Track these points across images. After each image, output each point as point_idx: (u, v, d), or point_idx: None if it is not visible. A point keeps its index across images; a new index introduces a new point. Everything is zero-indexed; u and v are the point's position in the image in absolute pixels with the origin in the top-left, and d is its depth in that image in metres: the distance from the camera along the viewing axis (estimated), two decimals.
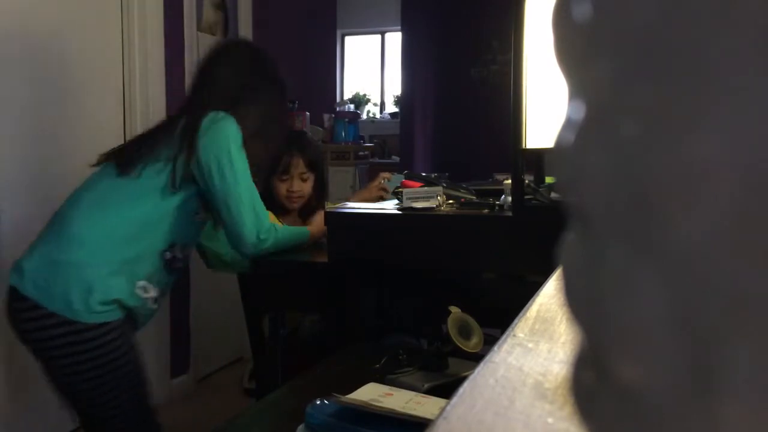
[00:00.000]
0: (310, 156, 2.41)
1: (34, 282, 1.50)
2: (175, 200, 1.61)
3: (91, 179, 1.65)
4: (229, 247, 1.83)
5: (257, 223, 1.68)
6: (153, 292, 1.62)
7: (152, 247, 1.60)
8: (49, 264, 1.52)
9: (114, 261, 1.54)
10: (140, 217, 1.58)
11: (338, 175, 4.21)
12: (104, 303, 1.52)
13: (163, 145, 1.63)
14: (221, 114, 1.66)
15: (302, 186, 2.37)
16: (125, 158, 1.62)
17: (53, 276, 1.50)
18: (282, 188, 2.35)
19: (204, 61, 1.81)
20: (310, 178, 2.40)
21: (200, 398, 3.08)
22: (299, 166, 2.36)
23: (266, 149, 1.83)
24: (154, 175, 1.60)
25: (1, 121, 2.21)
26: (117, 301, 1.55)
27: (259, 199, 1.73)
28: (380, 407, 1.04)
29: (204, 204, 1.68)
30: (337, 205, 2.11)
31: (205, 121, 1.64)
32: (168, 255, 1.63)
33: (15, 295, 1.52)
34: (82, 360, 1.51)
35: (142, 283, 1.58)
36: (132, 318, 1.62)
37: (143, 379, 1.62)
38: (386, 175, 2.43)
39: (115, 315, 1.55)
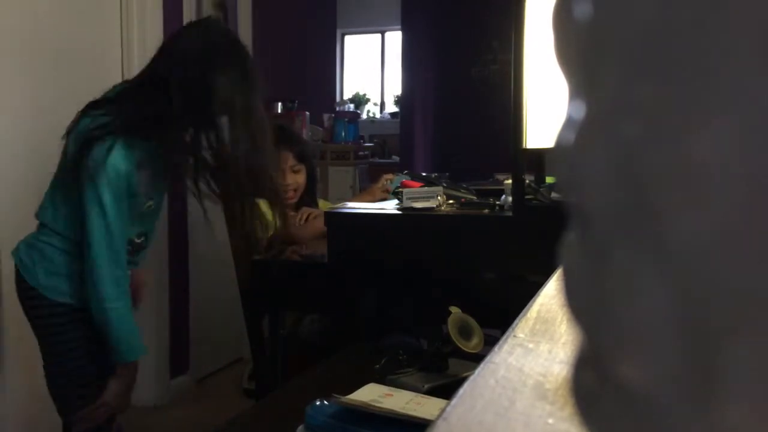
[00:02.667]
0: (299, 148, 2.42)
1: (22, 260, 1.61)
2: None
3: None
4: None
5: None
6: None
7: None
8: (28, 245, 1.62)
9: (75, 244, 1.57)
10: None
11: (338, 175, 4.21)
12: (63, 284, 1.57)
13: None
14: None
15: (295, 178, 2.38)
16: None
17: (31, 255, 1.60)
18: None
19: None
20: (302, 169, 2.41)
21: (200, 399, 3.08)
22: (289, 159, 2.37)
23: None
24: None
25: None
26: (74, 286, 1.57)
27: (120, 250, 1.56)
28: (380, 408, 1.04)
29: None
30: (337, 205, 2.11)
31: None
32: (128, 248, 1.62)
33: (17, 275, 1.63)
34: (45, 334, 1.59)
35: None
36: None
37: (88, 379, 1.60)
38: (389, 176, 2.43)
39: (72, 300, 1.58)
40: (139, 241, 1.66)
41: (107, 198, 1.49)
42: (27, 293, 1.59)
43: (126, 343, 1.54)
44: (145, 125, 1.54)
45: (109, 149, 1.50)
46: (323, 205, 2.53)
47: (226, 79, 1.55)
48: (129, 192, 1.54)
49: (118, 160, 1.50)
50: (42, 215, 1.62)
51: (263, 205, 2.33)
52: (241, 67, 1.60)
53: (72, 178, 1.53)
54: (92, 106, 1.61)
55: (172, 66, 1.56)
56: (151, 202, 1.63)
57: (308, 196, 2.44)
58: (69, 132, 1.61)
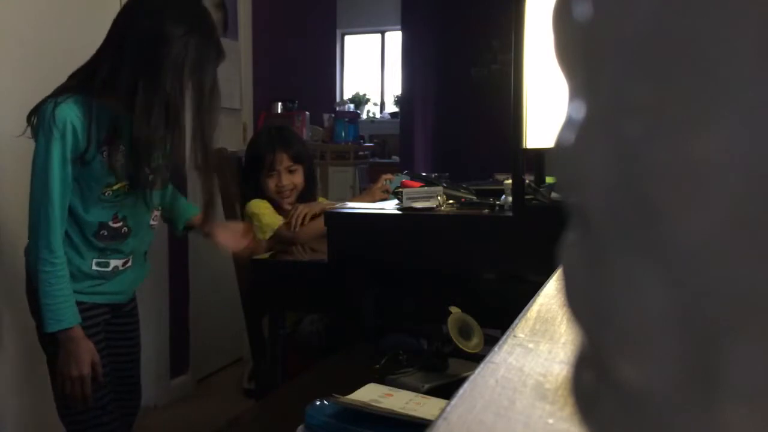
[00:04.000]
0: (295, 149, 2.39)
1: (28, 260, 1.57)
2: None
3: None
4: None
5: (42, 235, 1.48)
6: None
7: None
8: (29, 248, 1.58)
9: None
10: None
11: (338, 175, 4.21)
12: None
13: None
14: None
15: (291, 179, 2.37)
16: None
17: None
18: (270, 184, 2.35)
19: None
20: (299, 170, 2.39)
21: (200, 399, 3.08)
22: (284, 160, 2.36)
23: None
24: None
25: None
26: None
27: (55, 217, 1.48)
28: (380, 408, 1.04)
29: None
30: (337, 205, 2.11)
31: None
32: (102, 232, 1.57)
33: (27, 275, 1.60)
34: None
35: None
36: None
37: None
38: (388, 176, 2.43)
39: None
40: (115, 225, 1.57)
41: (53, 152, 1.43)
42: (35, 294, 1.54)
43: (50, 311, 1.48)
44: (99, 84, 1.47)
45: (59, 102, 1.45)
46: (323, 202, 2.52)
47: (182, 34, 1.47)
48: (79, 151, 1.46)
49: (66, 110, 1.44)
50: None
51: (261, 206, 2.33)
52: (200, 26, 1.53)
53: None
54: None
55: (127, 22, 1.50)
56: (119, 185, 1.54)
57: (307, 197, 2.43)
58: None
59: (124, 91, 1.46)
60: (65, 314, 1.49)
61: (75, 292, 1.53)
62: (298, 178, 2.39)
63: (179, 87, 1.50)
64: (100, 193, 1.53)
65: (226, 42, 3.41)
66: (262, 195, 2.36)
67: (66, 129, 1.44)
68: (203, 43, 1.53)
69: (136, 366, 1.75)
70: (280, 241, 2.25)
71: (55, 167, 1.45)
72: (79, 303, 1.53)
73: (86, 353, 1.52)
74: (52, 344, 1.53)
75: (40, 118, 1.46)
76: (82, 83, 1.49)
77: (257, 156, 2.38)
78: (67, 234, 1.52)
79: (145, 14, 1.48)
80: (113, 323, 1.67)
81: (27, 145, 1.58)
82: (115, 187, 1.54)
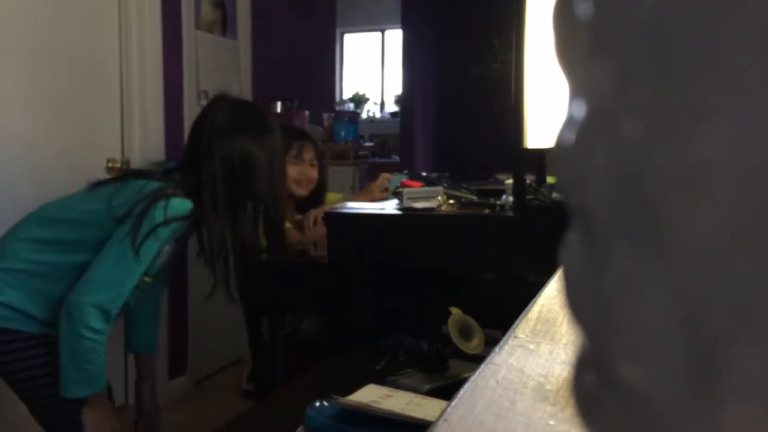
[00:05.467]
0: (317, 149, 2.49)
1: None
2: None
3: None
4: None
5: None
6: None
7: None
8: None
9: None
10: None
11: (338, 175, 4.21)
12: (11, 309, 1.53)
13: None
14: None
15: (311, 172, 2.43)
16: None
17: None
18: (294, 170, 2.39)
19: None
20: (317, 167, 2.45)
21: (199, 400, 3.08)
22: (310, 152, 2.42)
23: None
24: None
25: None
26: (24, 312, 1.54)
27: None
28: (380, 409, 1.04)
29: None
30: (337, 205, 2.11)
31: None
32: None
33: None
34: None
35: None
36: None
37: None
38: (387, 175, 2.44)
39: (21, 325, 1.53)
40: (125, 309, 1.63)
41: (161, 236, 1.51)
42: None
43: (88, 376, 1.50)
44: (192, 190, 1.58)
45: (171, 195, 1.54)
46: (334, 197, 2.56)
47: (258, 148, 1.63)
48: (163, 243, 1.54)
49: (178, 205, 1.54)
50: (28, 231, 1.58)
51: None
52: (271, 136, 1.68)
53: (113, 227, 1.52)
54: (136, 174, 1.65)
55: (207, 137, 1.62)
56: (149, 278, 1.62)
57: (318, 197, 2.46)
58: (103, 183, 1.62)
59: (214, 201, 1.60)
60: (102, 379, 1.54)
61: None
62: (316, 174, 2.44)
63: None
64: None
65: (226, 41, 3.43)
66: None
67: (172, 223, 1.53)
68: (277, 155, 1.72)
69: None
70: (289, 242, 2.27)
71: (152, 251, 1.52)
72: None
73: (112, 409, 1.60)
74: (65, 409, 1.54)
75: (155, 210, 1.52)
76: (185, 183, 1.60)
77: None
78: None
79: (226, 132, 1.63)
80: None
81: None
82: (148, 279, 1.62)
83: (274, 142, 1.68)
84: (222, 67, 3.39)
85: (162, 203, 1.51)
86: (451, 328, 1.39)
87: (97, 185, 1.63)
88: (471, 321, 1.43)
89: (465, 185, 2.04)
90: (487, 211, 1.74)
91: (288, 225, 2.29)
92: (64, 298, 1.49)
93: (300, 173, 2.39)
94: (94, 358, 1.49)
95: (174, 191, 1.55)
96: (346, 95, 5.84)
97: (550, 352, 0.53)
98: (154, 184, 1.55)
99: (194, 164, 1.62)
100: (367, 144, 4.92)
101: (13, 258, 1.54)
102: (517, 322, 0.61)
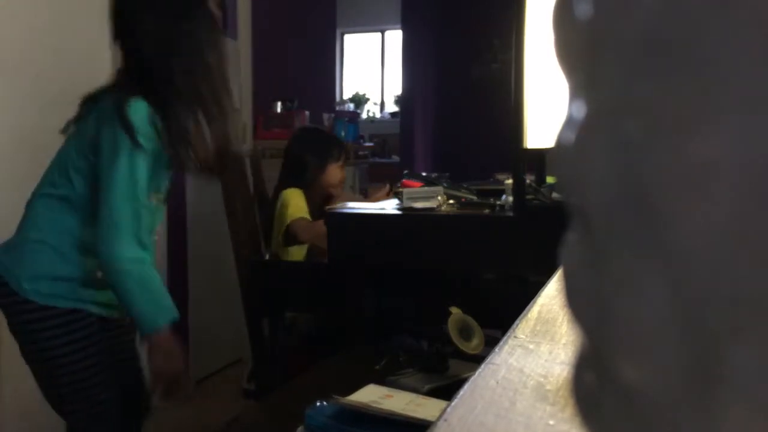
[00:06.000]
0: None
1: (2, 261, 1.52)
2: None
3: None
4: None
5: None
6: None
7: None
8: (9, 245, 1.54)
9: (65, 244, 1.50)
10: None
11: None
12: (51, 286, 1.48)
13: None
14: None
15: (344, 174, 2.49)
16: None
17: (11, 254, 1.52)
18: (338, 175, 2.43)
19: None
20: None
21: (199, 399, 3.08)
22: (342, 157, 2.49)
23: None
24: None
25: None
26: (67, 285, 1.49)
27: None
28: (380, 409, 1.04)
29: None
30: (337, 205, 2.11)
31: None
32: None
33: None
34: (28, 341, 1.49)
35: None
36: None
37: (95, 383, 1.51)
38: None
39: (62, 302, 1.49)
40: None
41: (142, 149, 1.41)
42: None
43: (154, 305, 1.46)
44: (142, 83, 1.46)
45: (132, 101, 1.42)
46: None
47: (195, 29, 1.49)
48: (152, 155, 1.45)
49: (136, 110, 1.42)
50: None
51: (296, 196, 2.35)
52: (207, 21, 1.53)
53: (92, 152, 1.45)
54: (92, 99, 1.54)
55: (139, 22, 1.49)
56: (160, 194, 1.54)
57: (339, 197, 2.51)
58: (75, 121, 1.55)
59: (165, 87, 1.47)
60: (168, 301, 1.49)
61: (86, 301, 1.50)
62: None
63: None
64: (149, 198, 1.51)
65: (226, 41, 3.43)
66: (305, 185, 2.39)
67: (145, 127, 1.43)
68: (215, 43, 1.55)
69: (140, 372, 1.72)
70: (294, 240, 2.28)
71: (141, 164, 1.43)
72: (87, 314, 1.50)
73: (179, 345, 1.51)
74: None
75: (111, 113, 1.43)
76: (132, 83, 1.48)
77: (329, 145, 2.43)
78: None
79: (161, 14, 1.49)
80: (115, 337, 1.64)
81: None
82: (160, 195, 1.54)
83: (205, 21, 1.52)
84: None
85: (122, 119, 1.41)
86: (451, 328, 1.39)
87: (67, 129, 1.56)
88: (471, 321, 1.43)
89: (465, 185, 2.04)
90: (487, 211, 1.74)
91: (304, 216, 2.30)
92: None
93: (341, 179, 2.46)
94: (149, 283, 1.46)
95: (125, 96, 1.44)
96: (346, 95, 5.84)
97: (550, 352, 0.53)
98: (104, 105, 1.45)
99: (135, 59, 1.50)
100: (367, 144, 4.92)
101: (42, 227, 1.51)
102: (517, 322, 0.61)
